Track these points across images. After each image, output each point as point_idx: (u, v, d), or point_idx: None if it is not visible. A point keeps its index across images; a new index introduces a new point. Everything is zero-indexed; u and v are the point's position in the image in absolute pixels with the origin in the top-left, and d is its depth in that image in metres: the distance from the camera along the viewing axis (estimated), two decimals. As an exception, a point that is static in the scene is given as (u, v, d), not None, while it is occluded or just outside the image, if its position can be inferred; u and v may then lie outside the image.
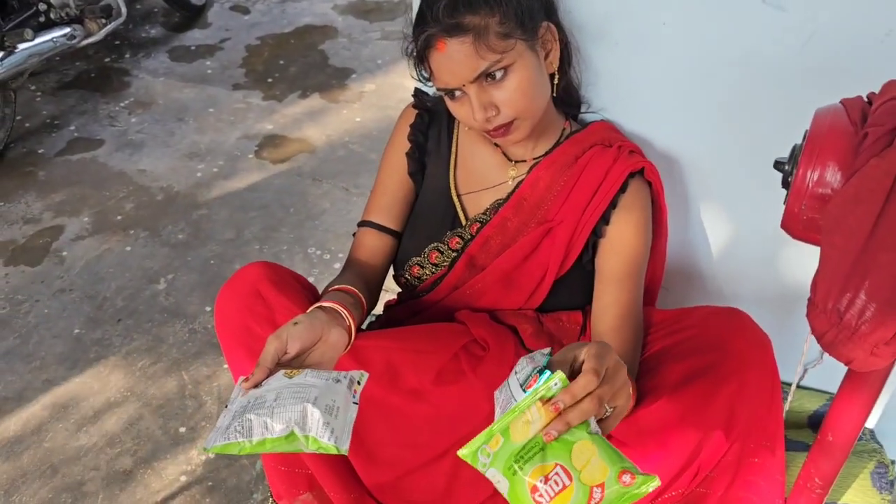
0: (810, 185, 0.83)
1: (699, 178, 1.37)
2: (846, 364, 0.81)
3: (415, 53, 1.16)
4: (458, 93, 1.14)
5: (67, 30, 2.86)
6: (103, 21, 3.00)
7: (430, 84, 1.19)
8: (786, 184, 0.88)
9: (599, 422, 0.88)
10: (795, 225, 0.87)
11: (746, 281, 1.45)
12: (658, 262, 1.34)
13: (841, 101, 0.87)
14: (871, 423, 1.49)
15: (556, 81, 1.22)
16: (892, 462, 1.41)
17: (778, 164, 0.90)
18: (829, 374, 1.12)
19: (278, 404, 0.87)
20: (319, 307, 1.09)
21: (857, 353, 0.79)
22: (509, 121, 1.15)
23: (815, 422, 1.47)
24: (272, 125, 2.93)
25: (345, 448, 0.86)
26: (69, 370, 1.95)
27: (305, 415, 0.86)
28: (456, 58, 1.09)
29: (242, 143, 2.83)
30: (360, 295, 1.19)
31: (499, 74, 1.11)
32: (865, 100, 0.86)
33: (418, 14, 1.14)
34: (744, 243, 1.41)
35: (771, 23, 1.16)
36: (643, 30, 1.25)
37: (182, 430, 1.79)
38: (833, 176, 0.82)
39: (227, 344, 1.20)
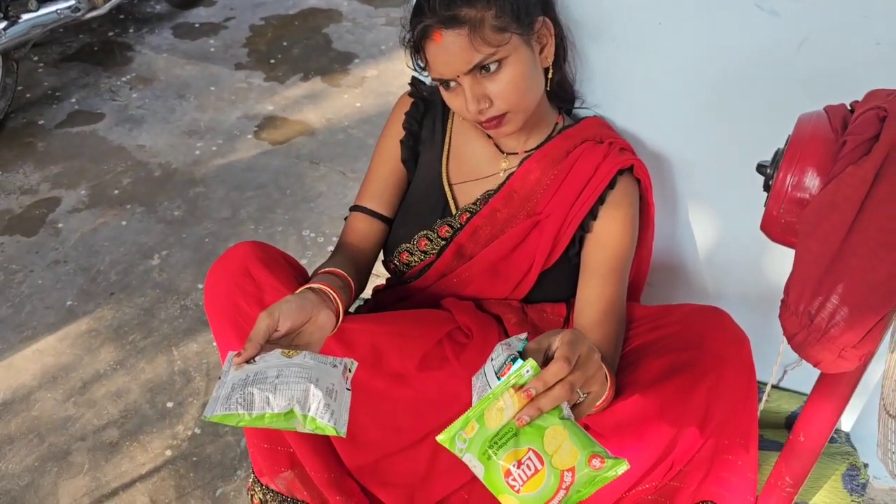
0: (789, 189, 0.85)
1: (688, 177, 1.38)
2: (815, 365, 0.83)
3: (411, 43, 1.17)
4: (452, 83, 1.15)
5: (72, 2, 2.86)
6: (108, -6, 3.00)
7: (426, 74, 1.20)
8: (767, 187, 0.89)
9: (574, 407, 0.90)
10: (774, 228, 0.88)
11: (731, 280, 1.47)
12: (644, 258, 1.36)
13: (824, 109, 0.88)
14: (846, 426, 1.51)
15: (550, 76, 1.23)
16: (865, 465, 1.43)
17: (760, 168, 0.91)
18: (809, 376, 1.14)
19: (281, 382, 0.90)
20: (309, 288, 1.11)
21: (825, 355, 0.81)
22: (502, 113, 1.16)
23: (792, 423, 1.49)
24: (273, 106, 2.93)
25: (344, 431, 0.89)
26: (60, 341, 1.97)
27: (308, 394, 0.89)
28: (451, 49, 1.10)
29: (242, 122, 2.84)
30: (350, 278, 1.21)
31: (493, 67, 1.12)
32: (848, 108, 0.88)
33: (416, 4, 1.15)
34: (729, 243, 1.42)
35: (764, 27, 1.17)
36: (640, 28, 1.26)
37: (170, 404, 1.80)
38: (812, 181, 0.84)
39: (215, 321, 1.22)
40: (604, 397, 1.03)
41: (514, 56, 1.13)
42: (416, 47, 1.16)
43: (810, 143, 0.84)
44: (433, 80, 1.18)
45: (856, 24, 1.13)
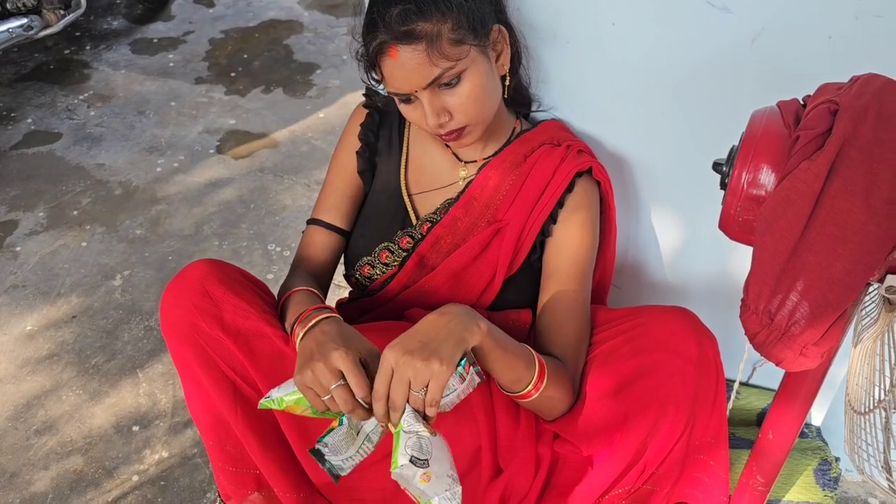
0: (745, 186, 0.84)
1: (649, 177, 1.38)
2: (776, 364, 0.82)
3: (366, 58, 1.14)
4: (411, 97, 1.13)
5: (24, 20, 2.81)
6: (62, 12, 2.95)
7: (381, 88, 1.18)
8: (723, 185, 0.89)
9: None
10: (731, 226, 0.88)
11: (696, 279, 1.46)
12: (608, 260, 1.35)
13: (777, 104, 0.88)
14: (816, 420, 1.51)
15: (507, 83, 1.22)
16: (837, 459, 1.43)
17: (716, 166, 0.91)
18: (779, 372, 1.13)
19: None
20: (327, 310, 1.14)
21: (786, 354, 0.80)
22: (462, 126, 1.15)
23: (763, 419, 1.49)
24: (234, 120, 2.90)
25: None
26: (20, 368, 1.91)
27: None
28: (408, 65, 1.08)
29: (204, 137, 2.80)
30: (321, 297, 1.21)
31: (452, 81, 1.10)
32: (801, 102, 0.87)
33: (368, 19, 1.12)
34: (693, 243, 1.42)
35: (717, 24, 1.16)
36: (593, 29, 1.25)
37: (135, 428, 1.76)
38: (767, 178, 0.83)
39: (173, 342, 1.19)
40: (528, 382, 1.09)
41: (473, 68, 1.11)
42: (372, 63, 1.14)
43: (763, 140, 0.83)
44: (389, 94, 1.16)
45: (808, 19, 1.13)
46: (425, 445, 0.95)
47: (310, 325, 1.08)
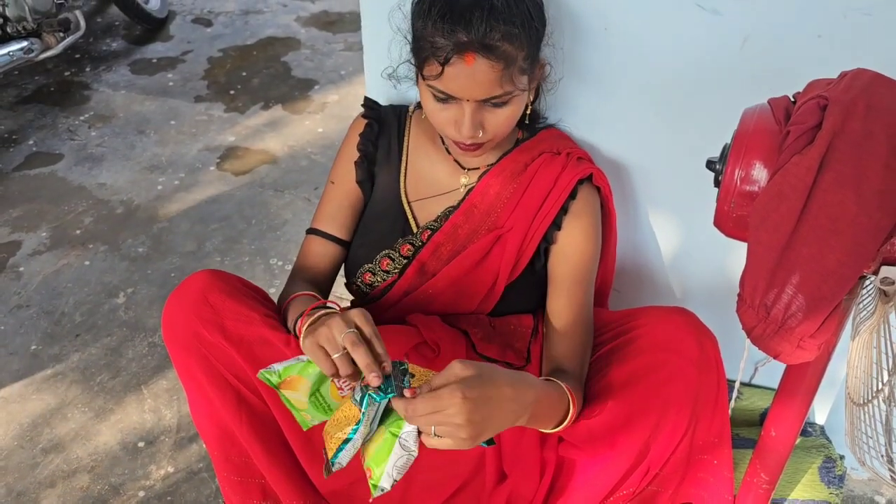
0: (738, 182, 0.85)
1: (646, 180, 1.39)
2: (774, 357, 0.83)
3: (429, 48, 1.09)
4: (452, 100, 1.12)
5: (24, 43, 2.83)
6: (61, 35, 2.97)
7: (421, 73, 1.12)
8: (717, 183, 0.90)
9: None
10: (726, 223, 0.88)
11: (696, 280, 1.47)
12: (608, 264, 1.36)
13: (767, 101, 0.89)
14: (820, 418, 1.51)
15: (527, 111, 1.24)
16: (841, 457, 1.43)
17: (710, 164, 0.92)
18: (781, 371, 1.14)
19: None
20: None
21: (784, 347, 0.81)
22: (486, 141, 1.16)
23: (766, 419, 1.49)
24: (234, 137, 2.91)
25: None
26: (26, 387, 1.92)
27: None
28: (478, 77, 1.07)
29: (204, 154, 2.82)
30: (322, 299, 1.20)
31: (501, 103, 1.12)
32: (791, 99, 0.89)
33: (453, 4, 1.07)
34: (692, 243, 1.43)
35: (707, 26, 1.18)
36: (586, 35, 1.27)
37: (141, 444, 1.77)
38: (759, 173, 0.84)
39: (176, 352, 1.20)
40: (561, 425, 1.08)
41: (520, 97, 1.14)
42: (436, 52, 1.08)
43: (755, 136, 0.84)
44: (430, 86, 1.12)
45: (797, 19, 1.14)
46: (408, 465, 0.95)
47: (316, 315, 1.07)
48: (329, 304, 1.13)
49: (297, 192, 2.61)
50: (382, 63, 1.30)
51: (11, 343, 2.05)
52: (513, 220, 1.25)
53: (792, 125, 0.81)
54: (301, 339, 1.04)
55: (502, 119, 1.14)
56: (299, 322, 1.10)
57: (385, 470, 0.94)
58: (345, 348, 0.96)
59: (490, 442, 0.96)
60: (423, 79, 1.12)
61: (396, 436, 0.94)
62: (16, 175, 2.73)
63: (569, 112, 1.35)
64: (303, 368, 1.02)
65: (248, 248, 2.36)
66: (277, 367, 1.03)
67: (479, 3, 1.06)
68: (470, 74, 1.07)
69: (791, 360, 0.82)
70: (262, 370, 1.03)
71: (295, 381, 1.03)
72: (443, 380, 0.91)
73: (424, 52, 1.10)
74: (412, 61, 1.16)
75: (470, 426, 0.89)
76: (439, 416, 0.89)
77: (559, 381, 1.08)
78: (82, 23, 3.06)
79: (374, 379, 0.94)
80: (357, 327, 0.98)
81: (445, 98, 1.12)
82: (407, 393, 0.94)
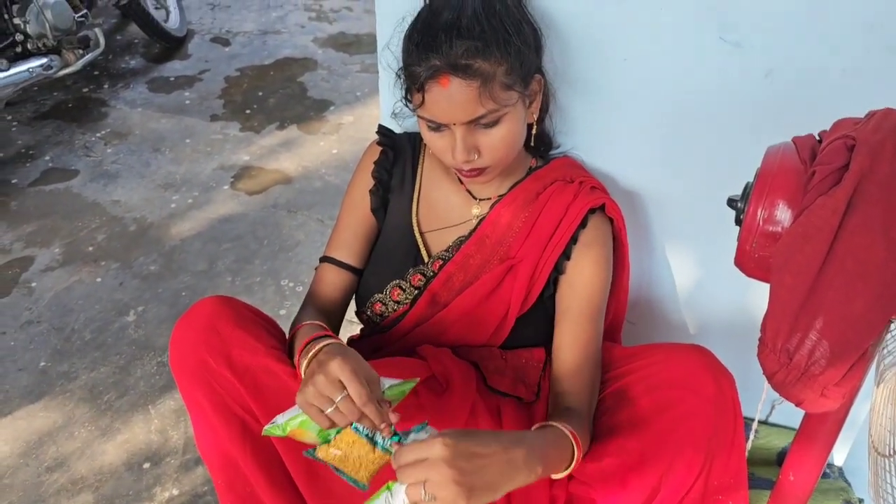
0: (761, 222, 0.83)
1: (662, 212, 1.37)
2: (796, 405, 0.80)
3: (409, 73, 1.11)
4: (442, 126, 1.12)
5: (44, 60, 2.85)
6: (81, 52, 2.99)
7: (409, 105, 1.15)
8: (738, 221, 0.88)
9: None
10: (747, 263, 0.86)
11: (712, 316, 1.44)
12: (621, 297, 1.34)
13: (792, 140, 0.87)
14: (839, 460, 1.48)
15: (533, 131, 1.22)
16: (860, 501, 1.40)
17: (731, 202, 0.90)
18: (798, 410, 1.11)
19: None
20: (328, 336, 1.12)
21: (807, 395, 0.78)
22: (486, 166, 1.15)
23: (783, 459, 1.45)
24: (249, 156, 2.92)
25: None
26: (33, 403, 1.91)
27: None
28: (456, 98, 1.07)
29: (218, 173, 2.82)
30: (327, 328, 1.19)
31: (491, 123, 1.10)
32: (816, 138, 0.87)
33: (425, 32, 1.08)
34: (708, 279, 1.40)
35: (729, 59, 1.16)
36: (605, 65, 1.26)
37: (146, 465, 1.75)
38: (783, 214, 0.82)
39: (182, 380, 1.18)
40: (569, 465, 1.05)
41: (512, 114, 1.12)
42: (416, 83, 1.09)
43: (779, 176, 0.82)
44: (421, 118, 1.14)
45: (820, 53, 1.12)
46: None
47: (312, 351, 1.06)
48: (326, 335, 1.11)
49: (310, 213, 2.60)
50: (397, 88, 1.29)
51: (21, 359, 2.04)
52: (525, 251, 1.23)
53: (818, 165, 0.79)
54: (302, 371, 1.05)
55: (497, 140, 1.12)
56: (299, 357, 1.10)
57: None
58: (335, 402, 0.96)
59: None
60: (413, 111, 1.14)
61: (390, 489, 0.93)
62: (31, 190, 2.74)
63: (584, 141, 1.34)
64: (304, 421, 1.01)
65: (259, 269, 2.35)
66: (280, 419, 1.03)
67: (448, 26, 1.06)
68: (448, 97, 1.07)
69: (814, 408, 0.79)
70: (266, 426, 1.04)
71: (299, 433, 1.02)
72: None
73: (408, 84, 1.12)
74: (406, 96, 1.16)
75: (459, 486, 0.86)
76: (425, 470, 0.87)
77: (560, 425, 1.05)
78: (102, 40, 3.09)
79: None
80: (346, 381, 0.96)
81: (437, 126, 1.12)
82: (393, 447, 0.95)
